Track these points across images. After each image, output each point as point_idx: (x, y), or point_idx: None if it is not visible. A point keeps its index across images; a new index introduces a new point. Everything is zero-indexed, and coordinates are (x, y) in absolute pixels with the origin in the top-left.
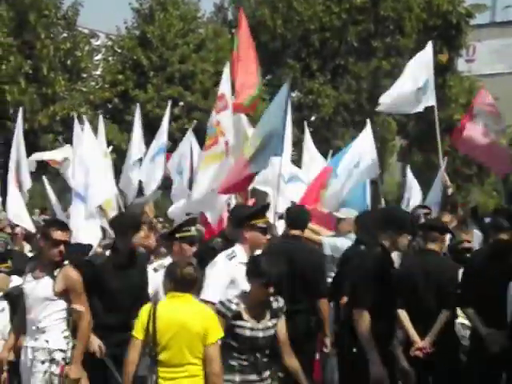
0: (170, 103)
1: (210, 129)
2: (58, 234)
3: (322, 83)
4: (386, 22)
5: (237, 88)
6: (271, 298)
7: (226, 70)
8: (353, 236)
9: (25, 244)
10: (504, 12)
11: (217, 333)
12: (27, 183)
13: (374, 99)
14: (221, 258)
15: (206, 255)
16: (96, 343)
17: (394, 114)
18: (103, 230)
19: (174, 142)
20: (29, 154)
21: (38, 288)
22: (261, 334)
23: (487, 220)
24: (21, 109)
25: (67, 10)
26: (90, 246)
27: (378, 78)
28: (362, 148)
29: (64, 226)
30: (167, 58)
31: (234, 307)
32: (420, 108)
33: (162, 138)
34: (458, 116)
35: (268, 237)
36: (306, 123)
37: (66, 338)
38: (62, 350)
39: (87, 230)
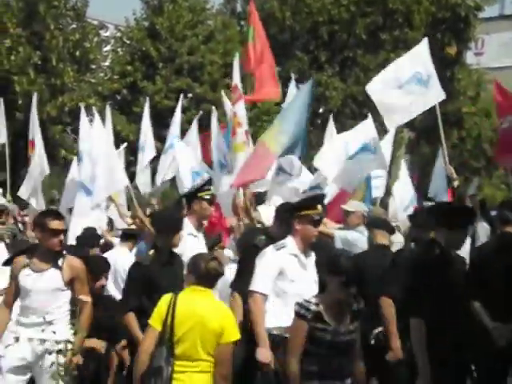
0: (181, 96)
1: (229, 122)
2: (55, 224)
3: (331, 75)
4: (395, 14)
5: (256, 81)
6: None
7: (236, 62)
8: (362, 229)
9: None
10: None
11: (233, 334)
12: (45, 169)
13: None
14: (269, 248)
15: (248, 253)
16: None
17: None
18: (110, 220)
19: (182, 133)
20: None
21: (44, 280)
22: (343, 338)
23: (494, 213)
24: (35, 94)
25: (76, 1)
26: (97, 237)
27: None
28: (368, 137)
29: (59, 216)
30: (176, 50)
31: (313, 307)
32: (425, 107)
33: (174, 130)
34: (466, 109)
35: (320, 228)
36: (331, 117)
37: (71, 328)
38: (69, 341)
39: (90, 221)
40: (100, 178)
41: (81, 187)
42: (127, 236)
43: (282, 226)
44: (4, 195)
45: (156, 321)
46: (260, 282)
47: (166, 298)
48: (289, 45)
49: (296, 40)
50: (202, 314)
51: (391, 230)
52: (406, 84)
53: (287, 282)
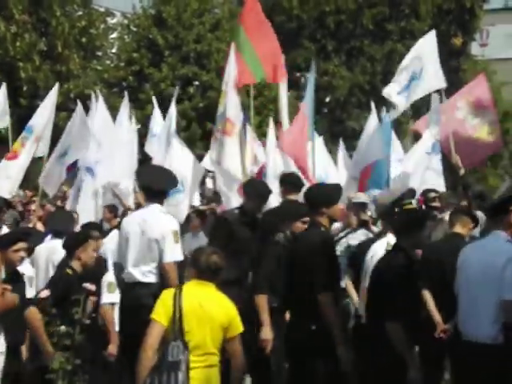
0: (177, 88)
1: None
2: None
3: (337, 65)
4: (401, 5)
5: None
6: None
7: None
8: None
9: (37, 222)
10: None
11: (239, 326)
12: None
13: (389, 81)
14: None
15: None
16: None
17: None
18: (115, 208)
19: (188, 121)
20: None
21: None
22: None
23: None
24: (56, 84)
25: None
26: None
27: (393, 60)
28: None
29: None
30: (183, 38)
31: None
32: (423, 93)
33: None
34: None
35: None
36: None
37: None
38: None
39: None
40: (101, 164)
41: (87, 170)
42: None
43: None
44: None
45: (161, 316)
46: None
47: (170, 293)
48: (296, 34)
49: (303, 29)
50: (209, 308)
51: None
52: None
53: None
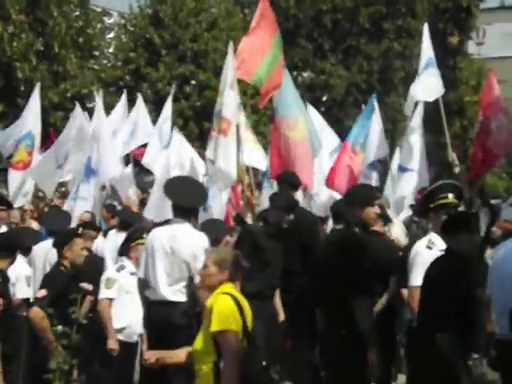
0: (173, 87)
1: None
2: None
3: (334, 64)
4: (398, 4)
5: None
6: None
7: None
8: None
9: (32, 222)
10: None
11: None
12: None
13: (385, 80)
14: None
15: None
16: None
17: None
18: (113, 207)
19: (185, 120)
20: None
21: None
22: None
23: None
24: (38, 84)
25: None
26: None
27: (389, 59)
28: (371, 128)
29: None
30: (179, 37)
31: None
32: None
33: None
34: (468, 98)
35: None
36: None
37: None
38: None
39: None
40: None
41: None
42: (126, 224)
43: None
44: None
45: (237, 326)
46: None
47: (231, 301)
48: (293, 33)
49: (300, 28)
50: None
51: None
52: (424, 70)
53: None
